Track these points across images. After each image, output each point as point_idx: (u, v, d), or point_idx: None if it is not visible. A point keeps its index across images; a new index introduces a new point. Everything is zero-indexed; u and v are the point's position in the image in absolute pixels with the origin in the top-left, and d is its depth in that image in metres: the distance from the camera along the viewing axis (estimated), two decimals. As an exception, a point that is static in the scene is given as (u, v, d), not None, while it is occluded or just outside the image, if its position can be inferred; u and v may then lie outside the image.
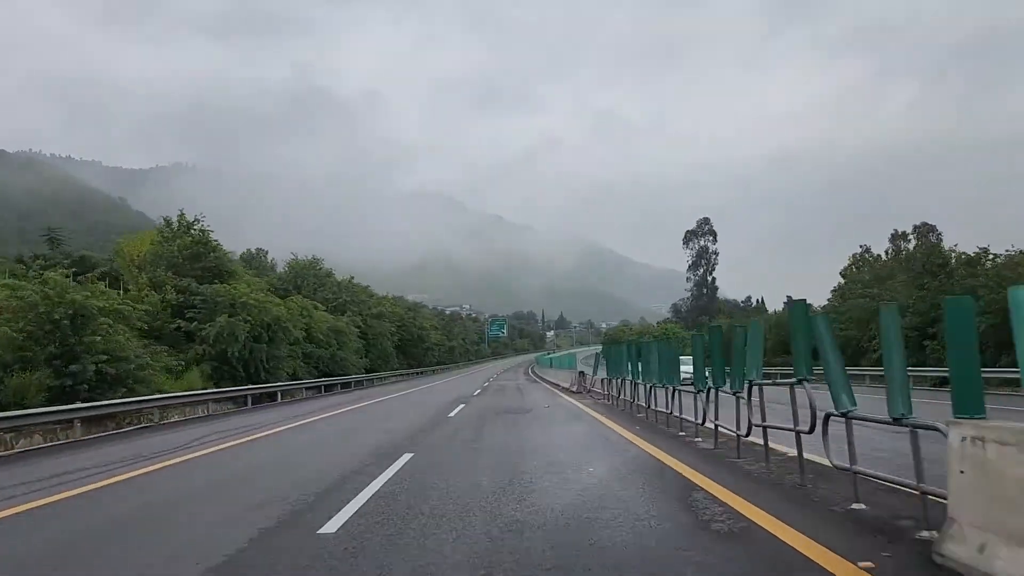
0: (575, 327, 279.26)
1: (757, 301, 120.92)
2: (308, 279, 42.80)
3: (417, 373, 61.65)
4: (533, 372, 61.61)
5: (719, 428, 10.11)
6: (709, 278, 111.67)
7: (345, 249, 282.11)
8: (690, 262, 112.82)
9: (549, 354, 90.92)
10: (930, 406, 9.27)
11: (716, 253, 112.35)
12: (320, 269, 45.15)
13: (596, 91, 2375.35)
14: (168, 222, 27.95)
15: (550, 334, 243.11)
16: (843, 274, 65.26)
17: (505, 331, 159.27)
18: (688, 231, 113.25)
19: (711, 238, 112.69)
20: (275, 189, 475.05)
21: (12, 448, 13.22)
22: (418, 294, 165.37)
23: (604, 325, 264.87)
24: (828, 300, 65.89)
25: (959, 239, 77.19)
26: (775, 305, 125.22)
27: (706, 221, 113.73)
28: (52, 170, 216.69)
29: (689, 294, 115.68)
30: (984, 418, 4.31)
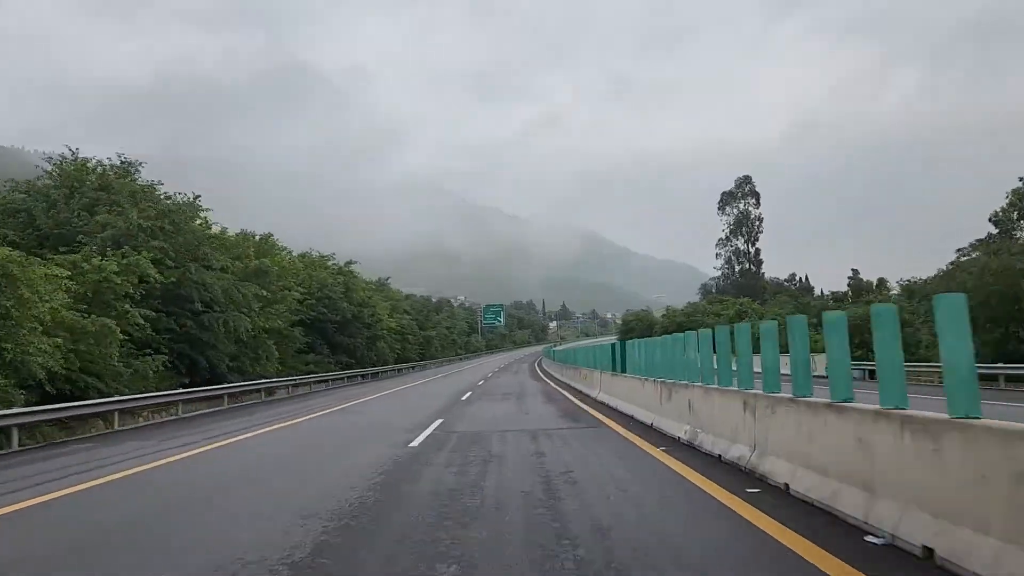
0: (579, 317, 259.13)
1: (801, 279, 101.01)
2: (84, 192, 20.90)
3: (355, 377, 40.00)
4: (546, 374, 39.89)
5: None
6: (752, 249, 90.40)
7: (338, 240, 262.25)
8: (725, 233, 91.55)
9: (555, 346, 70.65)
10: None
11: (760, 219, 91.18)
12: (132, 180, 22.71)
13: (597, 77, 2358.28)
14: None
15: (552, 324, 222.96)
16: (994, 220, 44.53)
17: (502, 320, 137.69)
18: (724, 192, 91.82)
19: (753, 201, 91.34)
20: (265, 176, 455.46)
21: None
22: (413, 287, 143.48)
23: (610, 315, 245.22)
24: (956, 260, 44.43)
25: None
26: (820, 284, 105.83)
27: (747, 180, 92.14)
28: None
29: (720, 272, 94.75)
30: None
